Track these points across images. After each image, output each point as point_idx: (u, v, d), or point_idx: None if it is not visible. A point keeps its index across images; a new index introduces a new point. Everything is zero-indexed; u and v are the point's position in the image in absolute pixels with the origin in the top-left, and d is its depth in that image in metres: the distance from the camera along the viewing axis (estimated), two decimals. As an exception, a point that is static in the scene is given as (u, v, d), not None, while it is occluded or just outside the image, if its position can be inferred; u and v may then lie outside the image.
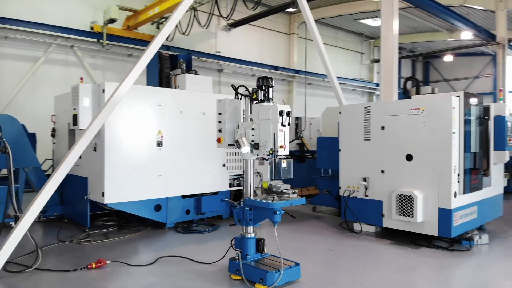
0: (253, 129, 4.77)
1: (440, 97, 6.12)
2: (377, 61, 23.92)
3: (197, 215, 7.43)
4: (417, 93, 8.33)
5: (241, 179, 8.16)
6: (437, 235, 5.92)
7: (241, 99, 5.10)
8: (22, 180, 7.48)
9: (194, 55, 16.33)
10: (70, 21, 13.79)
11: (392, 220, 6.33)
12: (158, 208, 6.92)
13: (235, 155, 7.98)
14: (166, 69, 7.77)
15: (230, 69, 18.06)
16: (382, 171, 6.58)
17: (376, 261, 5.51)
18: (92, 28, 14.16)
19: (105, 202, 6.37)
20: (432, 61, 28.44)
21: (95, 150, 6.58)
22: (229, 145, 4.90)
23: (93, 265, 4.98)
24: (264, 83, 4.77)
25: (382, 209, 6.54)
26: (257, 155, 4.91)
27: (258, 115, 4.74)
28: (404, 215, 6.09)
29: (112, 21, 13.84)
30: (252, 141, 4.78)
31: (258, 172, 8.22)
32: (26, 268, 4.87)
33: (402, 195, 6.12)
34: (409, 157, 6.25)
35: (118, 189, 6.43)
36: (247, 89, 5.08)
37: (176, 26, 15.25)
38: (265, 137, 4.66)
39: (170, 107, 7.05)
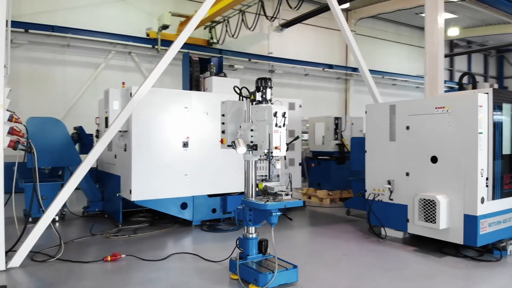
0: (252, 130, 4.79)
1: (465, 94, 5.65)
2: (446, 56, 22.44)
3: (223, 214, 7.58)
4: (474, 89, 7.71)
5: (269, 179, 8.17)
6: (462, 243, 5.48)
7: (242, 100, 5.14)
8: (66, 178, 8.15)
9: (245, 57, 16.68)
10: (127, 28, 14.72)
11: (416, 225, 5.97)
12: (184, 206, 7.18)
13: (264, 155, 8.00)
14: (196, 72, 8.03)
15: (282, 70, 18.09)
16: (407, 174, 6.22)
17: (388, 267, 5.24)
18: (148, 35, 14.99)
19: (132, 199, 6.76)
20: (506, 55, 26.05)
21: (125, 150, 7.00)
22: (228, 146, 4.96)
23: (109, 258, 5.32)
24: (262, 84, 4.78)
25: (407, 214, 6.20)
26: (260, 156, 4.91)
27: (255, 116, 4.76)
28: (427, 220, 5.71)
29: (165, 27, 14.54)
30: (251, 142, 4.79)
31: (288, 173, 8.20)
32: (50, 258, 5.34)
33: (424, 199, 5.75)
34: (434, 159, 5.85)
35: (144, 187, 6.79)
36: (248, 91, 5.10)
37: (226, 30, 15.64)
38: (262, 138, 4.67)
39: (196, 109, 7.29)
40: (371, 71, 20.05)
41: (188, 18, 15.07)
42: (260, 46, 17.73)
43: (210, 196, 7.46)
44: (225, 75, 8.13)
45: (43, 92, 13.37)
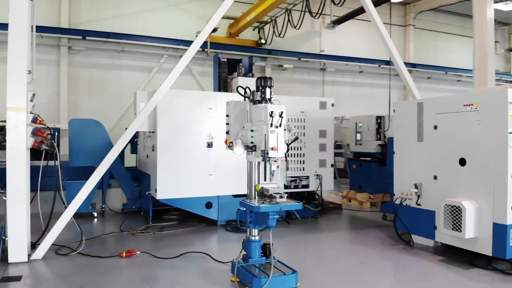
0: (252, 130, 4.71)
1: (494, 90, 5.08)
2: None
3: (249, 215, 7.54)
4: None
5: (298, 180, 8.02)
6: (490, 254, 4.94)
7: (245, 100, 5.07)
8: (106, 176, 8.64)
9: (294, 56, 16.51)
10: (179, 32, 15.24)
11: (442, 234, 5.49)
12: (209, 205, 7.27)
13: (292, 156, 7.87)
14: (223, 73, 8.09)
15: (334, 67, 17.64)
16: (435, 177, 5.74)
17: (403, 277, 4.89)
18: (198, 38, 15.39)
19: (157, 198, 6.99)
20: None
21: (153, 150, 7.26)
22: (228, 147, 4.92)
23: (124, 254, 5.55)
24: (261, 83, 4.68)
25: (434, 220, 5.72)
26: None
27: (255, 117, 4.68)
28: (453, 228, 5.23)
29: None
30: (251, 142, 4.72)
31: (318, 175, 7.99)
32: (72, 251, 5.69)
33: (450, 205, 5.27)
34: (462, 162, 5.34)
35: (170, 186, 6.98)
36: (250, 90, 5.02)
37: (274, 30, 15.56)
38: (260, 139, 4.57)
39: (220, 110, 7.33)
40: (433, 67, 18.99)
41: (236, 19, 15.25)
42: (311, 44, 17.44)
43: (235, 196, 7.46)
44: (252, 75, 8.09)
45: (101, 95, 14.30)
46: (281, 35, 15.41)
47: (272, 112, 4.41)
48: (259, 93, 4.68)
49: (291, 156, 7.86)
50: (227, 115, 5.10)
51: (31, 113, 5.37)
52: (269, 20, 15.86)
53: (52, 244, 5.60)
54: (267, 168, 4.61)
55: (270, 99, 4.68)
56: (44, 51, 13.67)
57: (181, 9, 15.49)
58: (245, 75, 8.11)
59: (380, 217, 8.31)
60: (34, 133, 5.42)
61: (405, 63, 18.61)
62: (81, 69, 14.17)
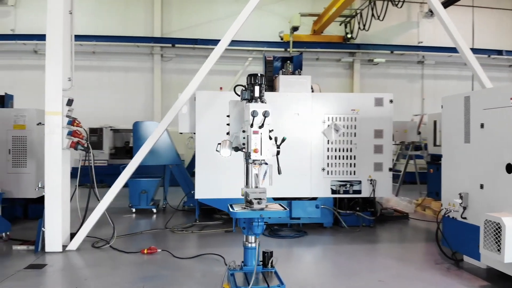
0: (244, 131, 4.48)
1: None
2: None
3: (290, 220, 7.21)
4: None
5: (349, 185, 7.38)
6: (537, 287, 3.88)
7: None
8: (167, 175, 9.15)
9: (387, 50, 15.34)
10: (262, 33, 15.40)
11: (483, 255, 4.51)
12: (247, 207, 7.14)
13: (339, 158, 7.29)
14: (269, 72, 7.86)
15: (434, 60, 15.90)
16: (481, 186, 4.74)
17: (417, 304, 4.13)
18: (282, 38, 15.33)
19: (195, 197, 7.14)
20: None
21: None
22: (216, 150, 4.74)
23: (145, 251, 5.77)
24: (250, 81, 4.41)
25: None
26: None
27: (245, 117, 4.43)
28: (493, 249, 4.25)
29: (295, 28, 14.61)
30: (243, 144, 4.48)
31: (372, 180, 7.29)
32: (105, 244, 6.12)
33: (490, 221, 4.29)
34: (509, 168, 4.31)
35: (206, 186, 7.05)
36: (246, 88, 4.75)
37: (359, 23, 14.66)
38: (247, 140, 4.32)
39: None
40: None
41: (319, 16, 14.78)
42: (407, 36, 16.01)
43: (275, 199, 7.19)
44: (299, 73, 7.70)
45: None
46: (366, 28, 14.43)
47: (254, 111, 4.12)
48: (248, 92, 4.41)
49: (339, 159, 7.28)
50: (228, 115, 4.93)
51: (67, 116, 5.92)
52: (354, 14, 15.00)
53: (93, 237, 6.21)
54: (249, 171, 4.29)
55: (260, 98, 4.37)
56: (140, 59, 15.07)
57: (265, 10, 15.59)
58: (293, 73, 7.77)
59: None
60: (72, 134, 5.97)
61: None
62: (172, 75, 15.24)
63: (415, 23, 16.00)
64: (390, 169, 7.50)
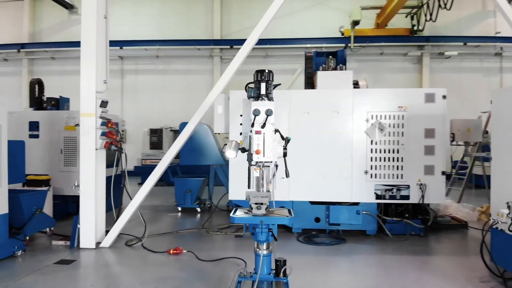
0: (252, 131, 4.22)
1: None
2: None
3: (329, 225, 6.77)
4: None
5: (396, 190, 6.74)
6: None
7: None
8: (211, 174, 9.16)
9: (459, 41, 14.01)
10: (322, 30, 14.94)
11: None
12: (282, 211, 6.85)
13: (385, 160, 6.69)
14: (309, 69, 7.47)
15: (513, 52, 14.16)
16: (534, 195, 3.99)
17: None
18: (342, 33, 14.71)
19: (229, 198, 7.01)
20: None
21: (232, 151, 7.29)
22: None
23: (171, 251, 5.77)
24: (257, 78, 4.13)
25: (532, 256, 3.98)
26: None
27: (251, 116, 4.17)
28: (542, 273, 3.54)
29: (356, 23, 13.91)
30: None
31: (421, 184, 6.62)
32: (136, 242, 6.23)
33: (538, 238, 3.57)
34: None
35: (240, 188, 6.88)
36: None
37: (425, 15, 13.51)
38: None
39: (295, 109, 6.83)
40: None
41: (382, 8, 13.91)
42: (482, 26, 14.47)
43: (312, 203, 6.82)
44: (340, 69, 7.21)
45: (248, 99, 15.16)
46: (433, 19, 13.25)
47: (255, 110, 3.86)
48: (254, 89, 4.14)
49: (384, 161, 6.68)
50: (241, 115, 4.70)
51: (101, 117, 6.11)
52: (420, 4, 13.87)
53: (129, 235, 6.44)
54: (251, 174, 4.02)
55: (267, 95, 4.08)
56: (201, 62, 15.40)
57: (326, 6, 15.07)
58: (334, 68, 7.30)
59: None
60: (106, 135, 6.16)
61: None
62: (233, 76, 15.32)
63: (491, 12, 14.36)
64: (443, 173, 6.71)
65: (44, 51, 15.96)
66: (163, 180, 11.60)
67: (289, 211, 4.11)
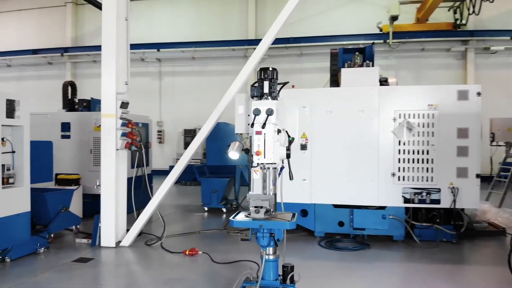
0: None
1: None
2: None
3: (353, 230, 6.47)
4: None
5: (426, 194, 6.32)
6: None
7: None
8: (238, 174, 9.10)
9: (506, 36, 13.07)
10: (359, 26, 14.51)
11: None
12: (304, 213, 6.64)
13: (413, 162, 6.30)
14: (333, 66, 7.19)
15: None
16: None
17: None
18: (381, 29, 14.17)
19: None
20: None
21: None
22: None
23: (187, 252, 5.74)
24: (260, 76, 3.99)
25: None
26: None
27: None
28: None
29: (394, 18, 13.36)
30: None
31: (453, 188, 6.20)
32: (155, 242, 6.27)
33: None
34: None
35: (262, 190, 6.75)
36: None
37: (468, 8, 12.69)
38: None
39: (317, 108, 6.60)
40: None
41: (422, 3, 13.25)
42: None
43: (335, 206, 6.56)
44: (367, 65, 6.87)
45: (282, 99, 15.00)
46: (477, 12, 12.42)
47: (255, 109, 3.72)
48: (257, 88, 3.99)
49: (413, 162, 6.29)
50: (249, 115, 4.58)
51: (121, 118, 6.20)
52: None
53: (150, 234, 6.53)
54: (250, 175, 3.87)
55: (270, 94, 3.92)
56: (236, 62, 15.41)
57: (362, 1, 14.60)
58: (361, 65, 6.98)
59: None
60: (126, 135, 6.24)
61: None
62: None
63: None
64: (478, 176, 6.22)
65: (86, 54, 16.63)
66: (196, 179, 11.72)
67: (293, 215, 3.92)
